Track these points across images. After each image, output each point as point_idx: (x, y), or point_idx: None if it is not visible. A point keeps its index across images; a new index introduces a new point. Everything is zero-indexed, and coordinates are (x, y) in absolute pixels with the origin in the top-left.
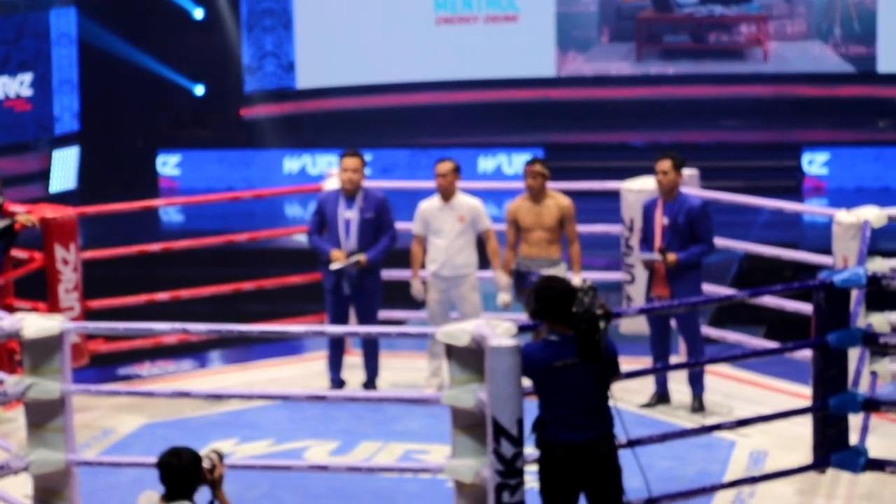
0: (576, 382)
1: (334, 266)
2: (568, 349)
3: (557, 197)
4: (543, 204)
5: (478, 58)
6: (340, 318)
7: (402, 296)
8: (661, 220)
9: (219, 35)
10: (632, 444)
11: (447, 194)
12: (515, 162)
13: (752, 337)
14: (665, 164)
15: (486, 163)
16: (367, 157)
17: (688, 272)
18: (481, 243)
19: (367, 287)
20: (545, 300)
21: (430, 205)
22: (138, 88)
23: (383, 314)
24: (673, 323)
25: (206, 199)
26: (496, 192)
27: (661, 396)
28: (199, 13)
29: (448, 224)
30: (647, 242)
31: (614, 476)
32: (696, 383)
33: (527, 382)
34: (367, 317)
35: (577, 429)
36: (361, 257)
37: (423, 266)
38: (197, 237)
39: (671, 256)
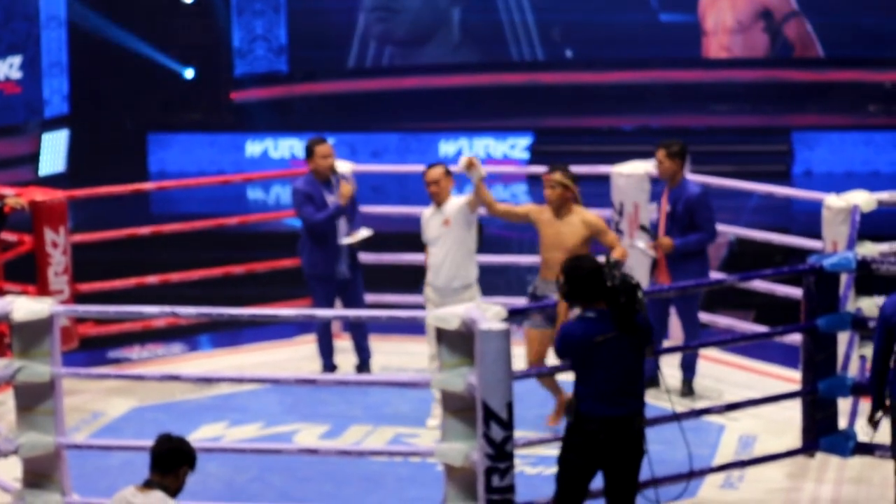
0: (616, 356)
1: (345, 241)
2: (605, 324)
3: (583, 213)
4: (566, 221)
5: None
6: (330, 304)
7: (388, 279)
8: (665, 206)
9: (209, 18)
10: (677, 417)
11: (440, 201)
12: (476, 146)
13: (742, 321)
14: (659, 154)
15: (446, 146)
16: (358, 140)
17: (689, 261)
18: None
19: (357, 268)
20: (576, 280)
21: (425, 212)
22: (128, 71)
23: (373, 298)
24: (672, 311)
25: (196, 182)
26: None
27: (650, 379)
28: None
29: (435, 231)
30: (656, 228)
31: (640, 455)
32: (688, 369)
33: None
34: (356, 300)
35: (615, 404)
36: (364, 233)
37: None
38: (187, 220)
39: (666, 241)
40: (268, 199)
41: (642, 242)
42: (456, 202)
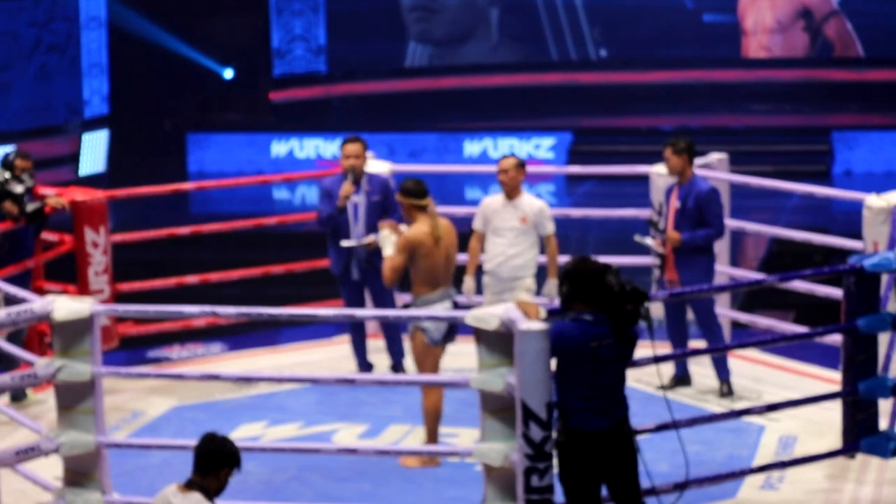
0: (607, 363)
1: (345, 243)
2: (602, 329)
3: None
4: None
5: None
6: (355, 304)
7: None
8: (675, 203)
9: (248, 18)
10: (676, 425)
11: (510, 192)
12: (501, 146)
13: (782, 322)
14: (666, 151)
15: (471, 147)
16: (396, 140)
17: (696, 256)
18: None
19: (378, 268)
20: (582, 280)
21: (492, 201)
22: (167, 72)
23: (408, 298)
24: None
25: (235, 182)
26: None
27: (681, 379)
28: None
29: (509, 223)
30: (654, 226)
31: (635, 457)
32: (721, 368)
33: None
34: (382, 300)
35: (603, 414)
36: (371, 238)
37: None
38: (226, 220)
39: (674, 235)
40: (307, 199)
41: (649, 239)
42: (535, 203)
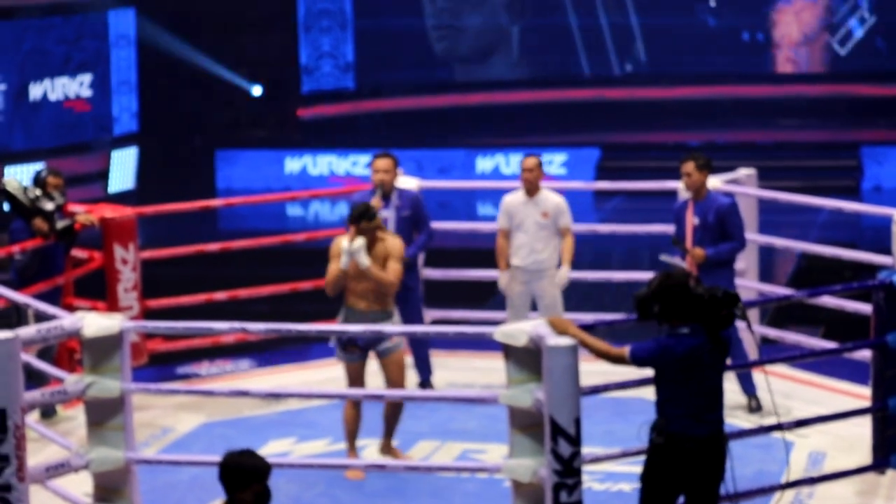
0: (710, 371)
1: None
2: (700, 338)
3: (388, 238)
4: (375, 248)
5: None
6: None
7: (454, 295)
8: (691, 220)
9: (276, 35)
10: (781, 427)
11: (531, 189)
12: (513, 162)
13: (811, 337)
14: (688, 166)
15: (483, 163)
16: (425, 157)
17: (719, 270)
18: None
19: (407, 285)
20: (672, 296)
21: (513, 199)
22: (196, 89)
23: (438, 314)
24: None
25: (263, 198)
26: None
27: None
28: (256, 14)
29: (531, 219)
30: (679, 245)
31: (723, 471)
32: (747, 382)
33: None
34: (411, 316)
35: (705, 422)
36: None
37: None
38: (254, 237)
39: (698, 251)
40: (319, 215)
41: (678, 258)
42: (553, 198)
